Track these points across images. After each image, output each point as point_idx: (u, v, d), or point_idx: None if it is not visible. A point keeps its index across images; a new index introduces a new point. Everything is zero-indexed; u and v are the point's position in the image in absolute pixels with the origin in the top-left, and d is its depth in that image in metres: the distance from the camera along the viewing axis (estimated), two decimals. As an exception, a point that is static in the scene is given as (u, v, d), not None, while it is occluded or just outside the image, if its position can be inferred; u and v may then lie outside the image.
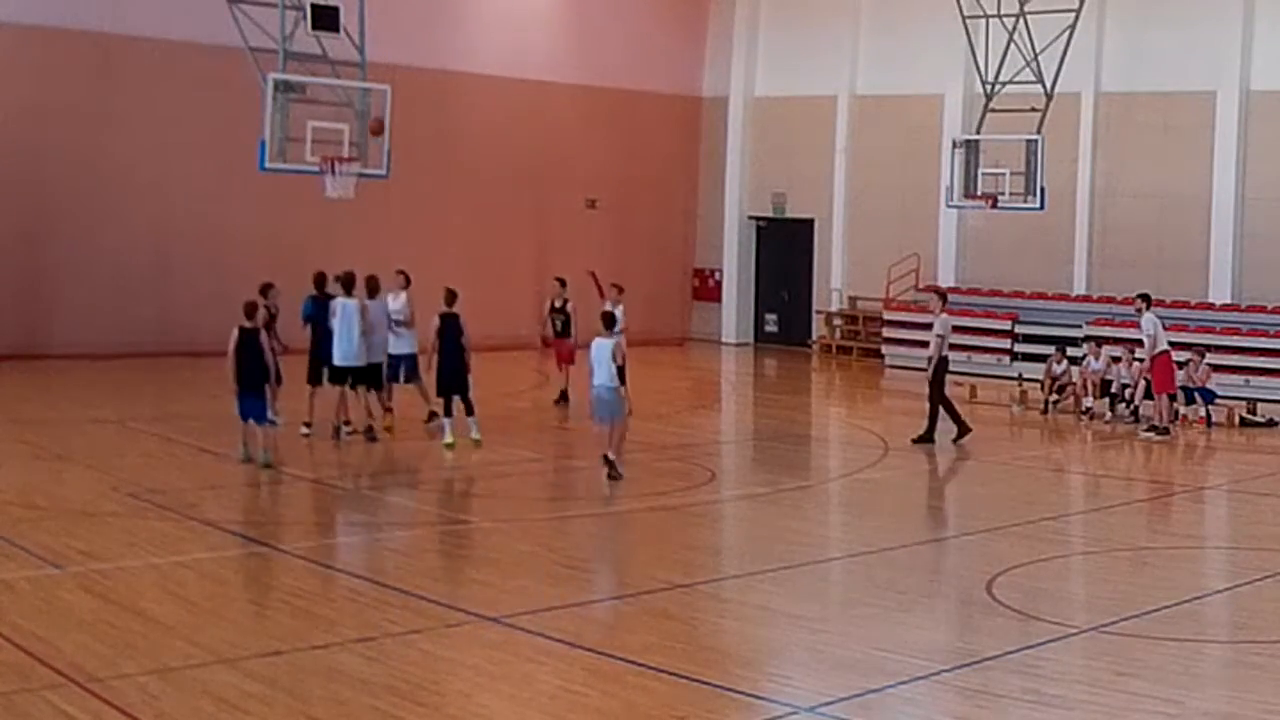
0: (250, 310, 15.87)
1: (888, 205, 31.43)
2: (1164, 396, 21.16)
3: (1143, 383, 21.96)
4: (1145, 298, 21.31)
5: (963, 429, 19.54)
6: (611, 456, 15.73)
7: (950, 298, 29.57)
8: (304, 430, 17.83)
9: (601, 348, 15.64)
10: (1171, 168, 27.73)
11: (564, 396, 21.69)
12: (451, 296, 17.92)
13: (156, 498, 14.17)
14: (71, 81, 25.11)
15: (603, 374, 15.63)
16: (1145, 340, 21.25)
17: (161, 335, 25.70)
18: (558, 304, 22.05)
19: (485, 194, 30.46)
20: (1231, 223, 27.06)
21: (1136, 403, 22.21)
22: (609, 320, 16.27)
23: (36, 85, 24.85)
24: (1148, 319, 21.16)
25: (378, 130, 19.74)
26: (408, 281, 18.77)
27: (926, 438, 19.36)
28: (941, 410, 19.50)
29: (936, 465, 18.98)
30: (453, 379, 17.63)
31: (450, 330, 17.60)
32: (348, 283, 17.90)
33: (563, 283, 22.45)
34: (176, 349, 24.89)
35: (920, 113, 30.64)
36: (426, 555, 12.96)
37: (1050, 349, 24.42)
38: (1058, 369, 23.69)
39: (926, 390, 19.69)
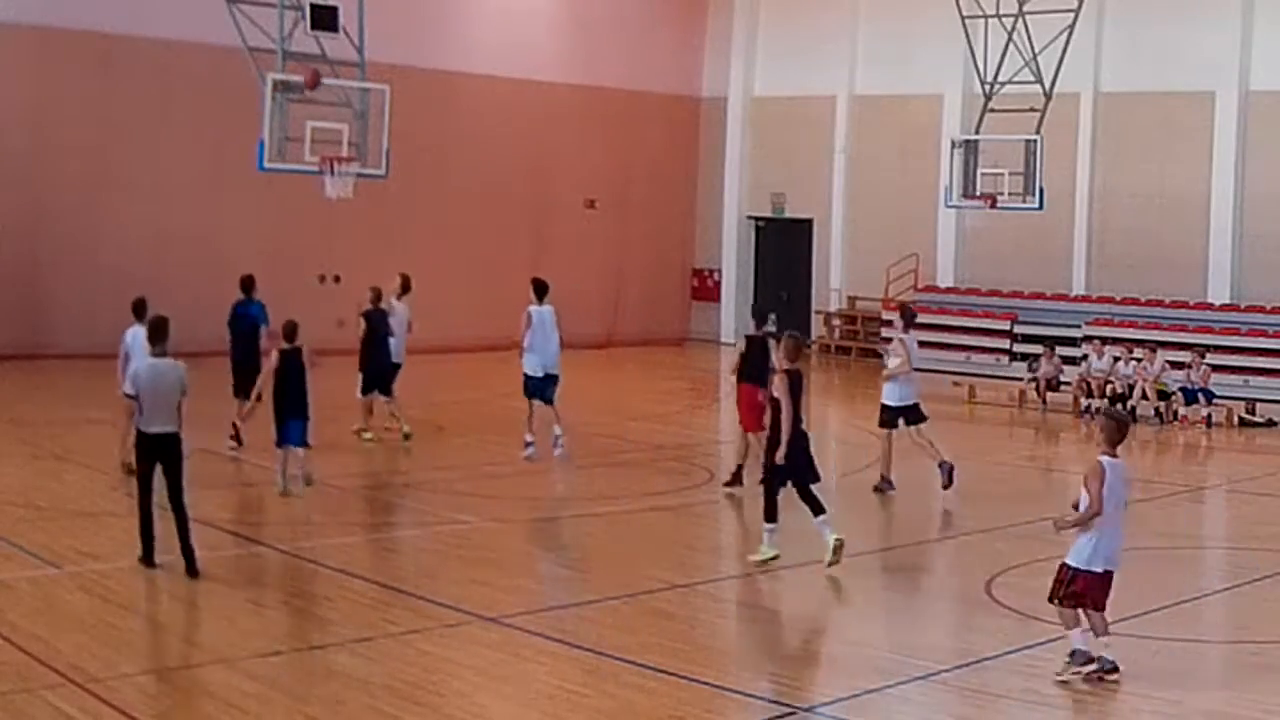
0: (290, 332, 14.81)
1: (887, 205, 31.43)
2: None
3: (1140, 383, 22.04)
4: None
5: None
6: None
7: (950, 298, 29.97)
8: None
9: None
10: (1170, 168, 27.74)
11: (737, 477, 16.02)
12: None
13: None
14: (71, 81, 25.10)
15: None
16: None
17: (161, 335, 25.65)
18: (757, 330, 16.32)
19: (485, 194, 30.45)
20: (1230, 223, 27.07)
21: (1133, 402, 22.27)
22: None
23: (36, 85, 24.85)
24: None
25: (313, 84, 19.11)
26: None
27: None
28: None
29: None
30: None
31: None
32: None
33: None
34: (175, 349, 24.76)
35: (920, 113, 30.65)
36: (426, 555, 12.96)
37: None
38: (1047, 367, 23.73)
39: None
